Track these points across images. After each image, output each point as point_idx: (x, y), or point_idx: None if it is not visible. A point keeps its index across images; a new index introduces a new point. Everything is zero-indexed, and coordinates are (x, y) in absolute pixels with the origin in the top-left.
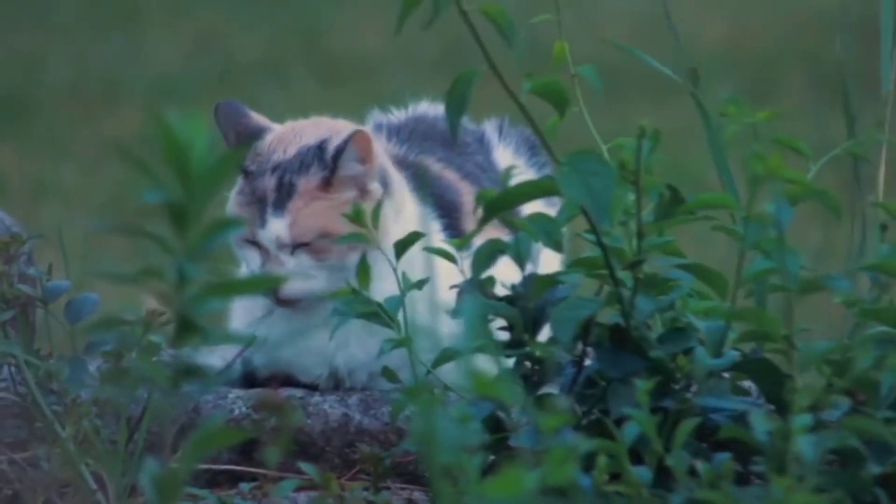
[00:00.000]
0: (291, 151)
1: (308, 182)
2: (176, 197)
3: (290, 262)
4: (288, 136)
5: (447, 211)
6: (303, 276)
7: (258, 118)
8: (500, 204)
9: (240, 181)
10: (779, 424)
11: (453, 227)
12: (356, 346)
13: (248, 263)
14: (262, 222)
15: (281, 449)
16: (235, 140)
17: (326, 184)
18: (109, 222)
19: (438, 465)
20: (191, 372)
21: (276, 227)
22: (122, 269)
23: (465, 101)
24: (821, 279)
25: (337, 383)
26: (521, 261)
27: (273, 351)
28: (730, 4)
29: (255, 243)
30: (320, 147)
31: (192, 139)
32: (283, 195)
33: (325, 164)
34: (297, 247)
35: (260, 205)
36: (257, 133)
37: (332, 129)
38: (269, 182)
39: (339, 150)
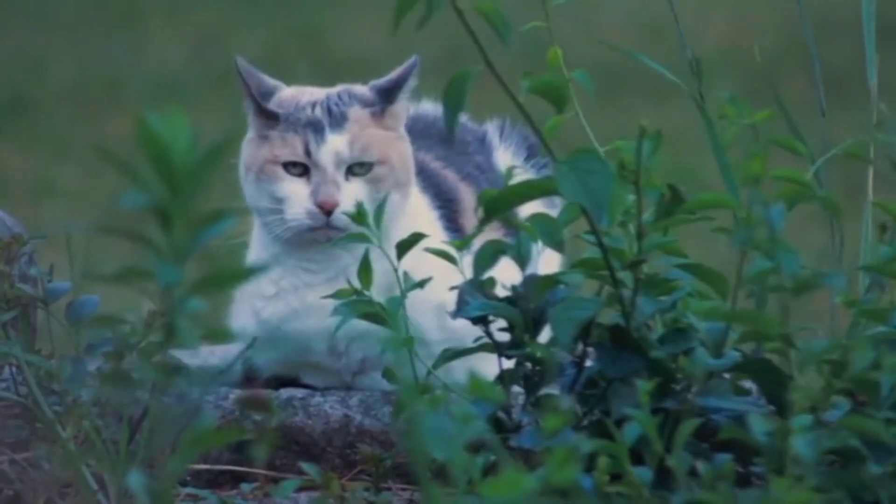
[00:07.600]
0: (323, 95)
1: (358, 112)
2: (160, 198)
3: (346, 187)
4: (308, 89)
5: (445, 202)
6: (353, 202)
7: (270, 78)
8: (500, 203)
9: (257, 126)
10: (777, 425)
11: (451, 220)
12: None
13: (291, 202)
14: (321, 140)
15: (268, 445)
16: (257, 90)
17: (381, 113)
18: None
19: (424, 465)
20: (181, 372)
21: (337, 143)
22: (120, 269)
23: (461, 100)
24: (815, 277)
25: (336, 366)
26: (521, 262)
27: (275, 329)
28: (730, 4)
29: (303, 173)
30: (359, 89)
31: (174, 139)
32: (337, 120)
33: (373, 99)
34: (350, 174)
35: (313, 127)
36: (274, 88)
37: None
38: (316, 111)
39: (403, 78)
